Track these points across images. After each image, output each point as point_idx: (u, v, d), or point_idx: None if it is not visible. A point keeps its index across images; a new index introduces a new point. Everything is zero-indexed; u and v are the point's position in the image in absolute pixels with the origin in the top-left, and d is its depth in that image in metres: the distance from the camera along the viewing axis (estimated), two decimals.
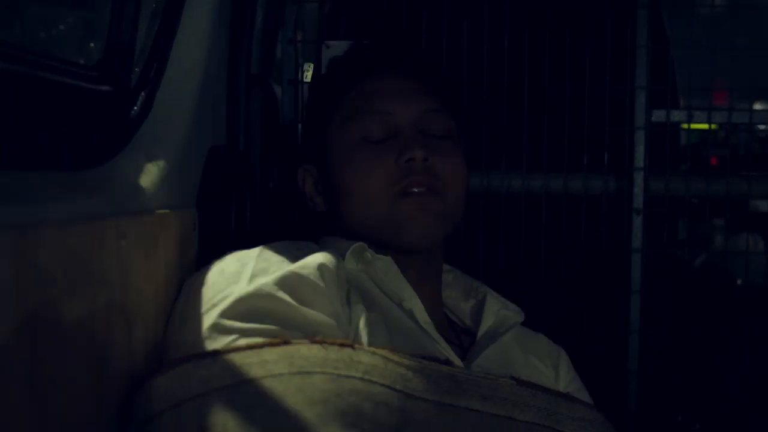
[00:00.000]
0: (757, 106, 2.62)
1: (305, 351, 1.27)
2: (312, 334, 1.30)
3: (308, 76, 2.33)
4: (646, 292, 2.36)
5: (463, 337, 1.64)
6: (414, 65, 1.70)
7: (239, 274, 1.39)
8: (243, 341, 1.29)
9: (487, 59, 2.39)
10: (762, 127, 2.57)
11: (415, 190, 1.57)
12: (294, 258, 1.45)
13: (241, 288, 1.36)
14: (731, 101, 2.49)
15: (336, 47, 2.28)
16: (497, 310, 1.67)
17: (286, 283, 1.37)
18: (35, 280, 1.07)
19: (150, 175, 1.50)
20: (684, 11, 2.50)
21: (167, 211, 1.49)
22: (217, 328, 1.31)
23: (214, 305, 1.35)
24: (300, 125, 2.24)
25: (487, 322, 1.64)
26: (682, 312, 2.44)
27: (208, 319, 1.33)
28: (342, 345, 1.31)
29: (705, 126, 2.55)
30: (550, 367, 1.69)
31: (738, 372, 2.45)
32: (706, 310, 2.41)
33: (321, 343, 1.29)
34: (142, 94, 1.58)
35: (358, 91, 1.65)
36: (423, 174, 1.57)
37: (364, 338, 1.42)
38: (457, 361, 1.51)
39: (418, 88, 1.65)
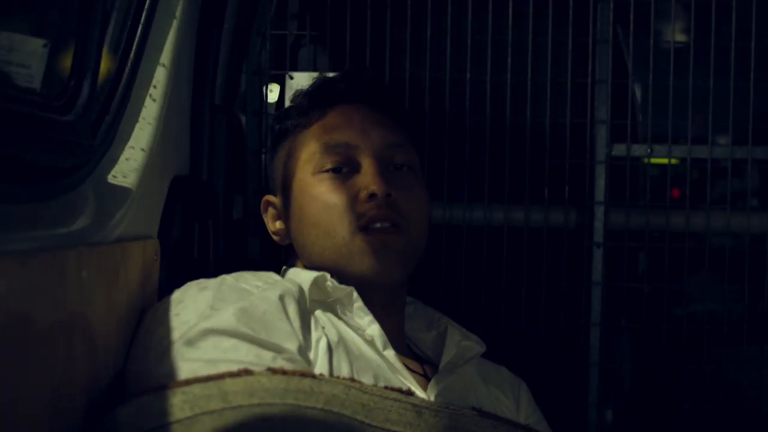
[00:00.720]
0: (721, 141, 2.65)
1: (266, 382, 1.27)
2: (273, 366, 1.30)
3: (272, 97, 2.34)
4: (606, 324, 2.38)
5: (425, 368, 1.64)
6: (377, 97, 1.70)
7: (201, 305, 1.39)
8: (203, 372, 1.28)
9: (449, 90, 2.40)
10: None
11: (378, 225, 1.57)
12: (255, 288, 1.45)
13: (203, 319, 1.36)
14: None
15: (300, 78, 2.29)
16: (459, 342, 1.68)
17: (247, 314, 1.37)
18: None
19: (112, 205, 1.50)
20: (644, 46, 2.53)
21: (129, 241, 1.48)
22: (179, 360, 1.31)
23: (176, 336, 1.34)
24: (264, 155, 2.25)
25: (448, 353, 1.65)
26: (642, 344, 2.46)
27: (170, 350, 1.33)
28: (303, 375, 1.31)
29: (665, 160, 2.57)
30: (511, 398, 1.70)
31: (699, 404, 2.47)
32: (666, 343, 2.43)
33: (282, 373, 1.29)
34: (105, 123, 1.57)
35: (321, 123, 1.65)
36: (385, 209, 1.57)
37: (326, 368, 1.42)
38: (420, 392, 1.51)
39: (381, 121, 1.66)
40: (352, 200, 1.58)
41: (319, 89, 1.73)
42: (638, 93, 2.72)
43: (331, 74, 1.83)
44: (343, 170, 1.61)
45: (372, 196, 1.57)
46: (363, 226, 1.57)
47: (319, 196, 1.60)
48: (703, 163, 2.55)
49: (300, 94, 1.75)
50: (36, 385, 1.16)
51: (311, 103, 1.69)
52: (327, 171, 1.61)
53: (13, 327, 1.10)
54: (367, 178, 1.59)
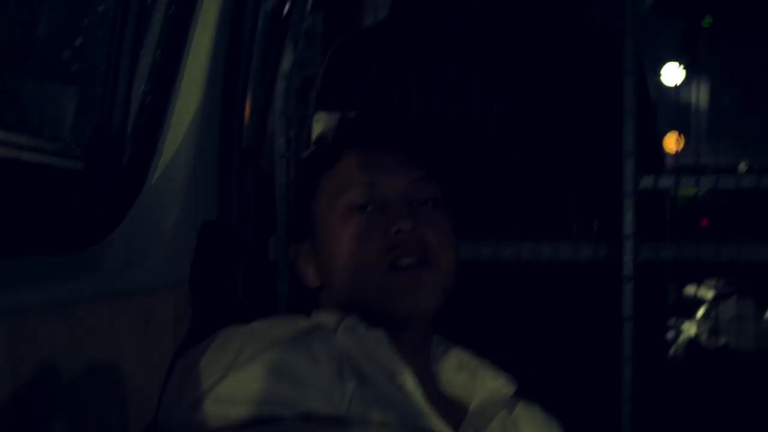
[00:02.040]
0: (742, 166, 2.64)
1: (297, 429, 1.27)
2: (304, 412, 1.31)
3: (317, 128, 2.34)
4: (638, 359, 2.36)
5: (456, 410, 1.64)
6: (400, 137, 1.71)
7: (232, 354, 1.40)
8: (235, 420, 1.29)
9: (476, 127, 2.41)
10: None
11: (405, 262, 1.57)
12: (285, 336, 1.45)
13: (234, 367, 1.36)
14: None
15: (327, 119, 2.30)
16: (489, 382, 1.67)
17: (278, 361, 1.38)
18: (30, 366, 1.07)
19: (143, 253, 1.51)
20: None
21: (160, 288, 1.50)
22: (210, 410, 1.32)
23: (207, 386, 1.35)
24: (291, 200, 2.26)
25: (479, 394, 1.64)
26: (675, 378, 2.44)
27: (201, 400, 1.34)
28: (334, 421, 1.31)
29: (693, 191, 2.57)
30: None
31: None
32: (699, 376, 2.41)
33: (314, 420, 1.29)
34: (134, 172, 1.59)
35: (345, 165, 1.66)
36: (412, 244, 1.58)
37: (358, 414, 1.42)
38: None
39: (403, 159, 1.67)
40: (379, 238, 1.58)
41: (341, 130, 1.73)
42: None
43: (352, 115, 1.84)
44: (369, 208, 1.62)
45: (398, 232, 1.57)
46: (391, 263, 1.57)
47: (346, 237, 1.61)
48: (732, 193, 2.54)
49: (323, 135, 1.76)
50: None
51: (332, 146, 1.70)
52: (352, 211, 1.62)
53: (49, 376, 1.11)
54: (392, 214, 1.59)
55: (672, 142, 2.65)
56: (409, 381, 1.54)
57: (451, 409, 1.63)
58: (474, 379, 1.68)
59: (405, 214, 1.59)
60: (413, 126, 1.85)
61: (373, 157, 1.66)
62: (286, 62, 2.34)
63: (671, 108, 2.48)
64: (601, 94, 2.50)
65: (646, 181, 2.47)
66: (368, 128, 1.71)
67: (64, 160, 1.47)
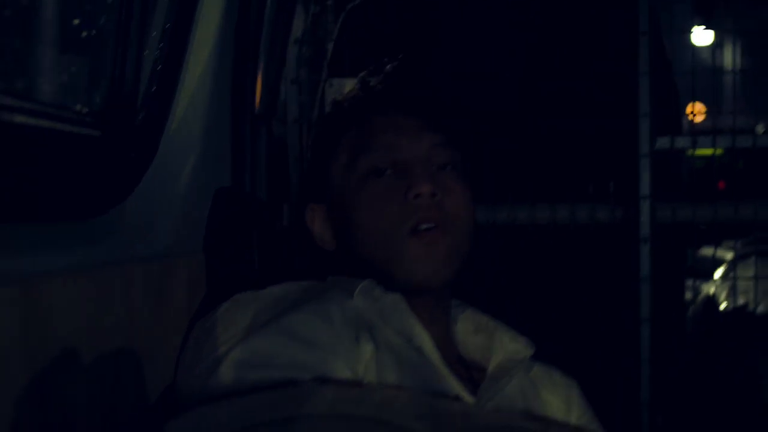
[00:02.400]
0: (760, 128, 2.62)
1: (314, 392, 1.27)
2: (321, 376, 1.30)
3: (329, 93, 2.32)
4: (656, 320, 2.35)
5: (475, 373, 1.63)
6: (418, 101, 1.70)
7: (247, 318, 1.39)
8: (251, 384, 1.29)
9: (493, 91, 2.39)
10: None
11: (425, 226, 1.57)
12: (301, 299, 1.45)
13: (250, 332, 1.36)
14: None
15: (339, 85, 2.29)
16: (507, 344, 1.66)
17: (294, 325, 1.37)
18: (44, 330, 1.07)
19: (157, 221, 1.51)
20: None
21: (174, 255, 1.49)
22: (227, 372, 1.31)
23: (224, 350, 1.35)
24: (306, 164, 2.25)
25: (497, 357, 1.63)
26: (693, 341, 2.43)
27: (219, 363, 1.33)
28: (350, 384, 1.31)
29: (710, 151, 2.55)
30: (561, 400, 1.68)
31: (753, 400, 2.44)
32: (717, 338, 2.40)
33: (330, 383, 1.29)
34: (147, 139, 1.58)
35: (363, 129, 1.65)
36: (432, 209, 1.57)
37: (374, 377, 1.42)
38: (469, 398, 1.50)
39: (423, 124, 1.66)
40: (399, 203, 1.57)
41: (357, 95, 1.72)
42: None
43: (369, 80, 1.82)
44: (387, 172, 1.61)
45: (417, 196, 1.57)
46: (411, 228, 1.56)
47: (365, 200, 1.60)
48: (749, 153, 2.52)
49: (339, 101, 1.75)
50: (87, 399, 1.17)
51: (351, 110, 1.69)
52: (371, 175, 1.61)
53: (63, 342, 1.11)
54: (412, 179, 1.58)
55: (696, 110, 2.62)
56: (427, 344, 1.53)
57: (469, 371, 1.63)
58: (492, 342, 1.67)
59: (425, 178, 1.58)
60: (432, 90, 1.83)
61: (392, 121, 1.65)
62: (297, 28, 2.33)
63: (702, 70, 2.45)
64: (618, 55, 2.48)
65: (662, 142, 2.46)
66: (388, 94, 1.70)
67: (78, 127, 1.46)
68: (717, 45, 2.64)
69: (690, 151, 2.57)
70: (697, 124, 2.65)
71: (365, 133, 1.64)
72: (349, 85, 1.79)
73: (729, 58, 2.67)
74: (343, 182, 1.63)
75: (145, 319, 1.34)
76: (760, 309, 2.54)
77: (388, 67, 1.72)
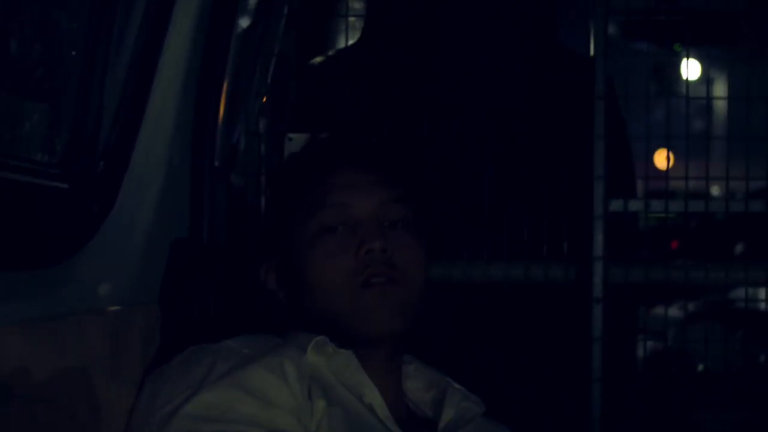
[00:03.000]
0: (714, 191, 2.66)
1: None
2: (274, 431, 1.30)
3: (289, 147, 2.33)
4: (608, 380, 2.37)
5: (425, 430, 1.64)
6: (372, 157, 1.71)
7: (202, 371, 1.39)
8: None
9: (448, 150, 2.42)
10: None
11: (375, 280, 1.58)
12: (256, 353, 1.45)
13: (204, 385, 1.36)
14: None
15: (299, 139, 2.31)
16: (458, 402, 1.67)
17: (248, 379, 1.38)
18: (2, 378, 1.07)
19: (113, 271, 1.51)
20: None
21: (130, 306, 1.49)
22: (180, 425, 1.31)
23: (177, 402, 1.35)
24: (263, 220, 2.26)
25: (448, 414, 1.64)
26: (645, 400, 2.45)
27: (171, 416, 1.33)
28: None
29: (662, 215, 2.59)
30: None
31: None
32: (668, 398, 2.43)
33: None
34: (106, 189, 1.58)
35: (317, 185, 1.66)
36: (382, 265, 1.58)
37: None
38: None
39: (377, 180, 1.67)
40: (350, 259, 1.59)
41: (312, 151, 1.74)
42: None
43: (324, 136, 1.84)
44: (340, 229, 1.62)
45: (369, 252, 1.58)
46: (363, 281, 1.57)
47: (316, 258, 1.61)
48: (703, 216, 2.56)
49: (294, 156, 1.76)
50: None
51: (305, 165, 1.71)
52: (324, 231, 1.62)
53: (16, 394, 1.11)
54: (364, 235, 1.60)
55: (662, 160, 2.66)
56: (378, 401, 1.54)
57: (420, 428, 1.63)
58: (443, 399, 1.68)
59: (376, 235, 1.59)
60: (386, 147, 1.85)
61: (345, 177, 1.66)
62: (258, 82, 2.35)
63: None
64: (574, 118, 2.52)
65: (616, 205, 2.50)
66: (342, 150, 1.72)
67: (35, 177, 1.46)
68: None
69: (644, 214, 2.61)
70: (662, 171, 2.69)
71: (319, 191, 1.65)
72: (307, 139, 1.81)
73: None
74: (296, 240, 1.64)
75: (100, 370, 1.34)
76: (709, 367, 2.58)
77: (346, 123, 1.75)
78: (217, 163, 2.04)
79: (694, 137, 2.53)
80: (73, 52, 1.69)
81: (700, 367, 2.64)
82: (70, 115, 1.61)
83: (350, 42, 2.61)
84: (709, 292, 2.57)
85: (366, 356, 1.58)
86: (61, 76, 1.72)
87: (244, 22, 2.21)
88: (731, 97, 2.52)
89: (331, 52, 2.68)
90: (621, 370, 2.46)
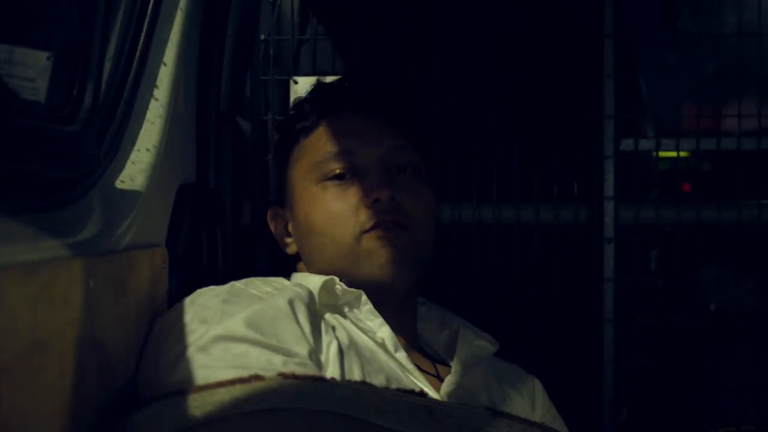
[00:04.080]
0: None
1: (277, 386, 1.26)
2: (283, 370, 1.30)
3: (294, 90, 2.32)
4: (619, 320, 2.37)
5: (439, 369, 1.64)
6: (377, 103, 1.69)
7: (210, 312, 1.39)
8: (215, 378, 1.28)
9: (456, 92, 2.40)
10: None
11: (383, 228, 1.57)
12: (265, 294, 1.45)
13: (213, 325, 1.36)
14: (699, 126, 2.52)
15: (305, 83, 2.29)
16: (471, 341, 1.67)
17: (257, 319, 1.37)
18: (2, 324, 1.06)
19: (119, 214, 1.49)
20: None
21: (137, 250, 1.48)
22: (190, 366, 1.31)
23: (187, 343, 1.34)
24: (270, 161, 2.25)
25: (461, 353, 1.64)
26: (656, 340, 2.45)
27: (181, 357, 1.33)
28: (314, 379, 1.30)
29: (674, 153, 2.56)
30: (525, 396, 1.69)
31: (714, 400, 2.46)
32: (680, 338, 2.42)
33: (293, 377, 1.28)
34: (110, 132, 1.57)
35: (322, 132, 1.65)
36: (391, 213, 1.57)
37: (337, 372, 1.42)
38: (433, 393, 1.51)
39: (382, 126, 1.65)
40: (357, 207, 1.57)
41: (317, 97, 1.72)
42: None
43: (329, 79, 1.82)
44: (347, 177, 1.60)
45: (376, 201, 1.57)
46: (368, 230, 1.56)
47: (323, 205, 1.60)
48: (714, 155, 2.54)
49: (299, 102, 1.74)
50: (46, 395, 1.16)
51: (311, 111, 1.69)
52: (330, 179, 1.61)
53: (22, 337, 1.10)
54: (371, 183, 1.58)
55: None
56: (390, 339, 1.54)
57: (433, 367, 1.63)
58: (456, 339, 1.68)
59: (383, 183, 1.58)
60: (391, 92, 1.84)
61: (350, 124, 1.65)
62: (263, 27, 2.32)
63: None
64: (583, 57, 2.50)
65: (626, 144, 2.48)
66: (345, 95, 1.70)
67: (39, 122, 1.44)
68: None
69: (654, 153, 2.59)
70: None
71: (324, 137, 1.64)
72: (314, 83, 1.79)
73: None
74: (302, 187, 1.63)
75: (107, 313, 1.33)
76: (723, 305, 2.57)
77: (353, 68, 1.73)
78: (222, 108, 2.03)
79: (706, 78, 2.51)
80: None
81: (712, 307, 2.62)
82: (73, 59, 1.59)
83: None
84: (722, 232, 2.54)
85: (377, 298, 1.57)
86: (65, 21, 1.70)
87: None
88: (741, 34, 2.48)
89: None
90: (634, 312, 2.46)
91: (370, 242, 1.56)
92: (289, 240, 1.70)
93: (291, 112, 1.77)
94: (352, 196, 1.58)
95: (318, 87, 1.75)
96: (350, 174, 1.60)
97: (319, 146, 1.63)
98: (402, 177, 1.62)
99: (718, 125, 2.60)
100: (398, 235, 1.57)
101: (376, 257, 1.56)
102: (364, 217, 1.56)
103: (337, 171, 1.61)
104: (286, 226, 1.70)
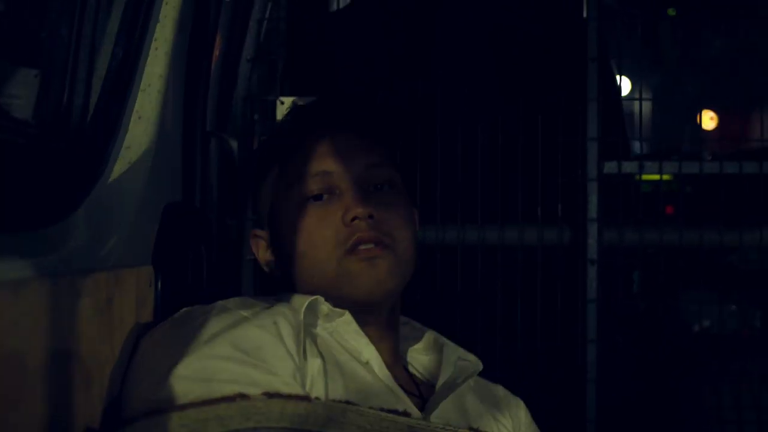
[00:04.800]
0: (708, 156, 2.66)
1: (262, 406, 1.27)
2: (270, 392, 1.30)
3: (280, 111, 2.32)
4: (602, 341, 2.38)
5: (422, 389, 1.64)
6: (352, 120, 1.70)
7: (195, 331, 1.39)
8: (199, 397, 1.28)
9: (441, 114, 2.41)
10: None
11: (363, 247, 1.57)
12: (250, 313, 1.45)
13: (198, 346, 1.36)
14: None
15: (290, 103, 2.30)
16: (455, 361, 1.67)
17: (242, 338, 1.37)
18: None
19: (105, 233, 1.50)
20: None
21: (123, 268, 1.48)
22: (174, 385, 1.31)
23: (172, 362, 1.34)
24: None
25: (445, 373, 1.64)
26: (639, 361, 2.46)
27: (166, 376, 1.33)
28: (299, 398, 1.31)
29: (656, 177, 2.58)
30: (508, 417, 1.69)
31: (696, 419, 2.47)
32: (662, 359, 2.43)
33: (278, 397, 1.29)
34: (97, 151, 1.57)
35: (300, 152, 1.65)
36: (369, 231, 1.58)
37: (322, 392, 1.42)
38: (416, 413, 1.51)
39: (359, 144, 1.66)
40: (336, 227, 1.58)
41: (294, 117, 1.73)
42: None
43: (309, 100, 1.83)
44: (324, 197, 1.61)
45: (354, 219, 1.57)
46: (349, 249, 1.57)
47: (303, 227, 1.60)
48: (697, 178, 2.56)
49: (278, 125, 1.75)
50: (31, 414, 1.16)
51: (289, 132, 1.70)
52: (309, 200, 1.61)
53: (7, 357, 1.10)
54: (348, 202, 1.59)
55: (706, 120, 2.66)
56: (375, 359, 1.54)
57: (417, 387, 1.63)
58: (440, 359, 1.68)
59: (360, 201, 1.58)
60: (369, 109, 1.84)
61: (328, 144, 1.65)
62: (250, 47, 2.33)
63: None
64: (568, 80, 2.52)
65: (610, 167, 2.50)
66: (323, 113, 1.71)
67: (27, 139, 1.45)
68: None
69: (637, 176, 2.61)
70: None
71: (302, 158, 1.64)
72: (299, 103, 1.80)
73: None
74: (281, 210, 1.64)
75: (93, 332, 1.33)
76: (705, 328, 2.58)
77: (335, 87, 1.74)
78: (209, 127, 2.03)
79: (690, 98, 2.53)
80: (64, 15, 1.67)
81: (696, 329, 2.64)
82: (60, 77, 1.60)
83: (341, 5, 2.59)
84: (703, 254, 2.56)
85: (362, 318, 1.58)
86: (54, 40, 1.70)
87: None
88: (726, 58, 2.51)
89: (322, 16, 2.66)
90: (617, 333, 2.47)
91: (351, 264, 1.56)
92: (271, 261, 1.70)
93: (273, 133, 1.77)
94: (331, 216, 1.59)
95: (294, 108, 1.75)
96: (328, 194, 1.61)
97: (297, 168, 1.64)
98: (379, 194, 1.63)
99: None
100: (379, 254, 1.57)
101: (358, 279, 1.56)
102: (344, 237, 1.57)
103: (315, 192, 1.61)
104: (267, 249, 1.70)
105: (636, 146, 2.72)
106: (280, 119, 1.73)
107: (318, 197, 1.60)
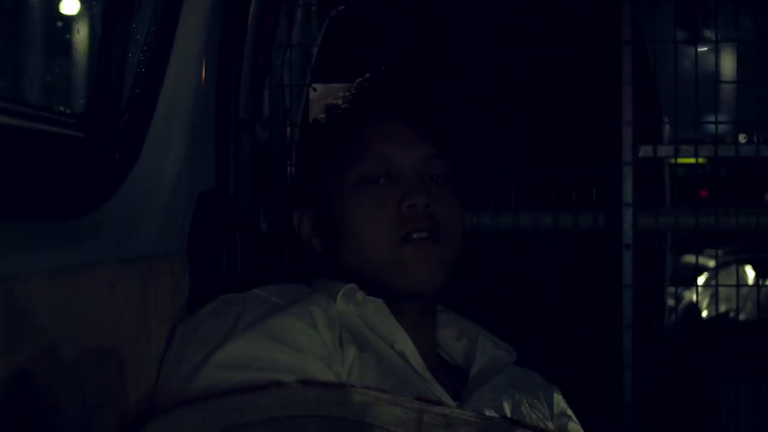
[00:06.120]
0: (742, 137, 2.63)
1: (298, 393, 1.27)
2: (305, 379, 1.30)
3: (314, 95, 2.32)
4: (638, 327, 2.37)
5: (456, 378, 1.64)
6: (415, 110, 1.69)
7: (231, 320, 1.39)
8: (236, 386, 1.29)
9: (475, 98, 2.40)
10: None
11: (415, 236, 1.57)
12: (285, 301, 1.45)
13: (234, 333, 1.36)
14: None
15: (323, 90, 2.29)
16: (490, 350, 1.67)
17: (277, 327, 1.37)
18: (26, 331, 1.07)
19: (139, 222, 1.50)
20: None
21: (157, 257, 1.49)
22: (210, 374, 1.31)
23: (207, 351, 1.35)
24: (290, 168, 2.25)
25: (479, 362, 1.64)
26: (675, 346, 2.44)
27: (201, 365, 1.33)
28: (334, 386, 1.31)
29: (692, 160, 2.56)
30: (544, 404, 1.69)
31: (732, 404, 2.45)
32: (698, 343, 2.41)
33: (313, 384, 1.29)
34: (131, 141, 1.58)
35: (358, 136, 1.64)
36: (424, 220, 1.57)
37: (357, 380, 1.42)
38: (450, 402, 1.51)
39: (418, 132, 1.65)
40: (392, 212, 1.57)
41: (355, 99, 1.71)
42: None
43: (366, 85, 1.80)
44: (381, 181, 1.61)
45: (411, 207, 1.57)
46: (403, 237, 1.56)
47: (358, 208, 1.60)
48: (732, 161, 2.54)
49: (334, 105, 1.73)
50: (68, 400, 1.16)
51: (348, 114, 1.68)
52: (365, 183, 1.61)
53: (45, 343, 1.11)
54: (407, 189, 1.58)
55: None
56: (409, 348, 1.54)
57: (451, 376, 1.63)
58: (474, 348, 1.68)
59: (419, 189, 1.58)
60: (428, 99, 1.83)
61: (387, 129, 1.64)
62: (282, 33, 2.33)
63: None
64: (601, 63, 2.50)
65: (645, 151, 2.47)
66: (385, 98, 1.70)
67: (62, 128, 1.45)
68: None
69: (672, 160, 2.59)
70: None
71: (360, 141, 1.63)
72: (332, 89, 1.80)
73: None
74: (335, 189, 1.63)
75: (128, 320, 1.34)
76: (741, 316, 2.56)
77: (383, 73, 1.72)
78: (241, 115, 2.03)
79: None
80: (98, 3, 1.68)
81: (731, 315, 2.62)
82: (94, 66, 1.60)
83: None
84: (740, 238, 2.54)
85: (399, 306, 1.58)
86: (87, 28, 1.71)
87: None
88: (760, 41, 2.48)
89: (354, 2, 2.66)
90: (653, 318, 2.45)
91: (406, 253, 1.56)
92: (315, 240, 1.69)
93: (323, 115, 1.75)
94: (388, 200, 1.58)
95: (355, 90, 1.73)
96: (386, 178, 1.61)
97: (356, 149, 1.63)
98: (435, 186, 1.62)
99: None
100: (432, 247, 1.57)
101: (409, 270, 1.56)
102: (399, 222, 1.57)
103: (372, 175, 1.61)
104: (313, 228, 1.69)
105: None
106: (338, 99, 1.72)
107: (375, 180, 1.60)
